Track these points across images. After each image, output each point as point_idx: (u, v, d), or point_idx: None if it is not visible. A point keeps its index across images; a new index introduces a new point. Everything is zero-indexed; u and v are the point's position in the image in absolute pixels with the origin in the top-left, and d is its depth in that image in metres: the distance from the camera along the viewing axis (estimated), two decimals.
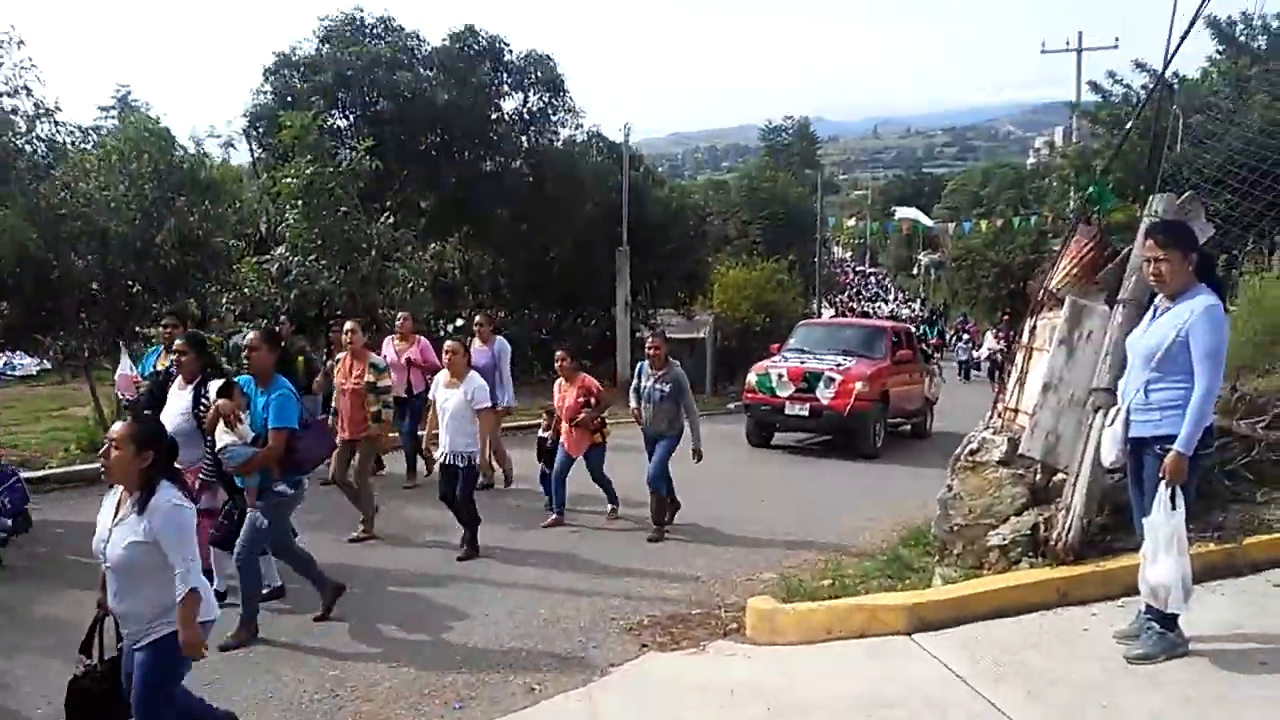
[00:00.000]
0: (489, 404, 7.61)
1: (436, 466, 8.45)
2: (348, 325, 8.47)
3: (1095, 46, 28.90)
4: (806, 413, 13.74)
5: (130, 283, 13.48)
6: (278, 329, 10.86)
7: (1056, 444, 5.45)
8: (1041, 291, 6.01)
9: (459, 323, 24.09)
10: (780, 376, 14.03)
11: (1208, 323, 4.14)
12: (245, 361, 6.09)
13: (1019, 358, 6.07)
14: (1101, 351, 5.31)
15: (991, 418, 6.08)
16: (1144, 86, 14.78)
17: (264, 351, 5.81)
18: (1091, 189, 6.49)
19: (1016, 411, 5.86)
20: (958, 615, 5.05)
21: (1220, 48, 13.42)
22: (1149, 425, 4.31)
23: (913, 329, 19.36)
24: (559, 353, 9.06)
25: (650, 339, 9.02)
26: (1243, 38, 13.00)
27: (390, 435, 9.54)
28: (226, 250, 14.72)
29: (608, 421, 9.07)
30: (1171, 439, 4.16)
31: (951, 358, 34.21)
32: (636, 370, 8.95)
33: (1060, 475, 5.52)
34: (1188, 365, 4.17)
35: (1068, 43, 28.67)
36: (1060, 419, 5.44)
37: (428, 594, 6.68)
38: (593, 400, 8.72)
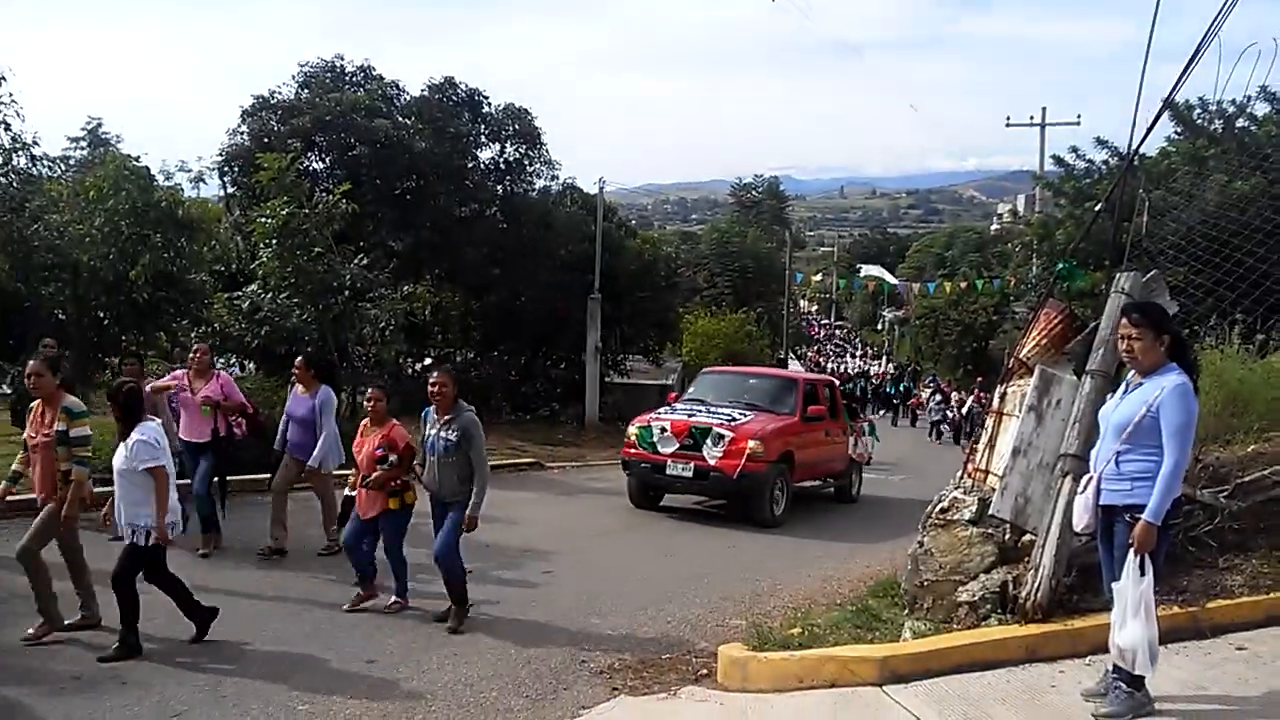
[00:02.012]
0: (156, 462, 5.83)
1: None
2: (30, 365, 6.44)
3: (1058, 122, 30.02)
4: (690, 473, 11.66)
5: (101, 315, 13.43)
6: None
7: (1026, 506, 5.60)
8: (1011, 359, 6.21)
9: (427, 361, 24.09)
10: (663, 430, 11.92)
11: (1177, 400, 4.31)
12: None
13: (989, 421, 6.24)
14: (1070, 419, 5.49)
15: (962, 477, 6.24)
16: (1105, 161, 15.31)
17: None
18: (1061, 266, 6.76)
19: (986, 473, 6.01)
20: (927, 668, 5.13)
21: (1178, 129, 13.94)
22: (1120, 494, 4.46)
23: (837, 381, 17.87)
24: (372, 391, 7.32)
25: (435, 375, 6.92)
26: (1200, 121, 13.52)
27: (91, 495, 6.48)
28: (201, 287, 14.71)
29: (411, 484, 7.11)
30: (1141, 508, 4.31)
31: (925, 418, 34.18)
32: (422, 416, 7.05)
33: (1029, 536, 5.66)
34: (1158, 438, 4.33)
35: (1031, 117, 29.81)
36: (1030, 482, 5.60)
37: None
38: (392, 456, 6.93)
